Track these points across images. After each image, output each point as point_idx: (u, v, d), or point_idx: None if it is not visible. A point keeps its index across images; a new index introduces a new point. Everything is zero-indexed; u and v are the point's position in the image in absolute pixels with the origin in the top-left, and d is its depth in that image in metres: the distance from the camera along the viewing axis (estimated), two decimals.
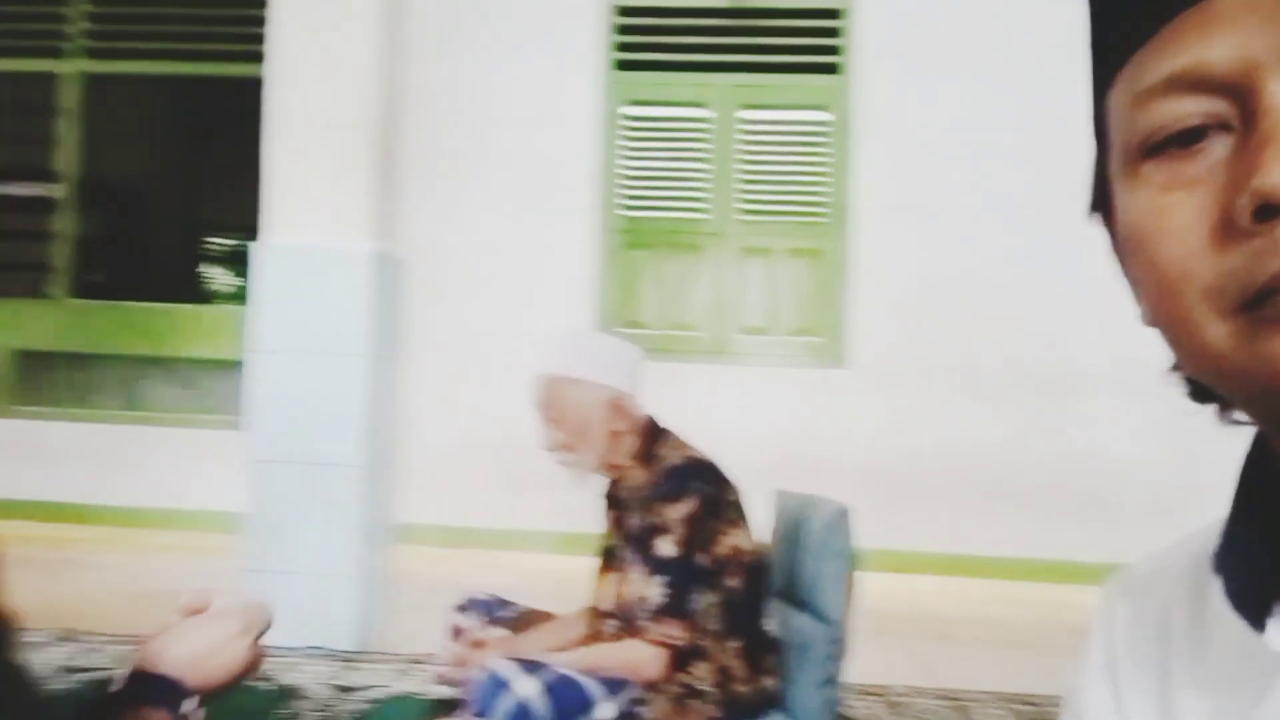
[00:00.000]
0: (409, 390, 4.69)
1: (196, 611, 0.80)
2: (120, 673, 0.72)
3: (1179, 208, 0.40)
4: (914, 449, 4.82)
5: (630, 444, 1.90)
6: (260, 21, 3.37)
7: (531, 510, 4.81)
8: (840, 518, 1.91)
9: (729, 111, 5.08)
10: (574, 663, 1.74)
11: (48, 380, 5.39)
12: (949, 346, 4.80)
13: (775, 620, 1.94)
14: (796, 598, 1.93)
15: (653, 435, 1.92)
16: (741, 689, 1.80)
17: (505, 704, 1.61)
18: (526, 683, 1.64)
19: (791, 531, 1.98)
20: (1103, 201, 0.46)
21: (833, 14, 5.05)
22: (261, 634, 0.80)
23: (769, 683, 1.85)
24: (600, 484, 2.03)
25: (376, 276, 3.19)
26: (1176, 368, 0.44)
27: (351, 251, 3.15)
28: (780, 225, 5.07)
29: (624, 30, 5.13)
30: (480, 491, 4.94)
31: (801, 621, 1.90)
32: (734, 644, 1.80)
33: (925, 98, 4.88)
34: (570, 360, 1.92)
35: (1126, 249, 0.43)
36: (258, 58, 3.40)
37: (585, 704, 1.68)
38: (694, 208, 5.10)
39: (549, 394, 1.90)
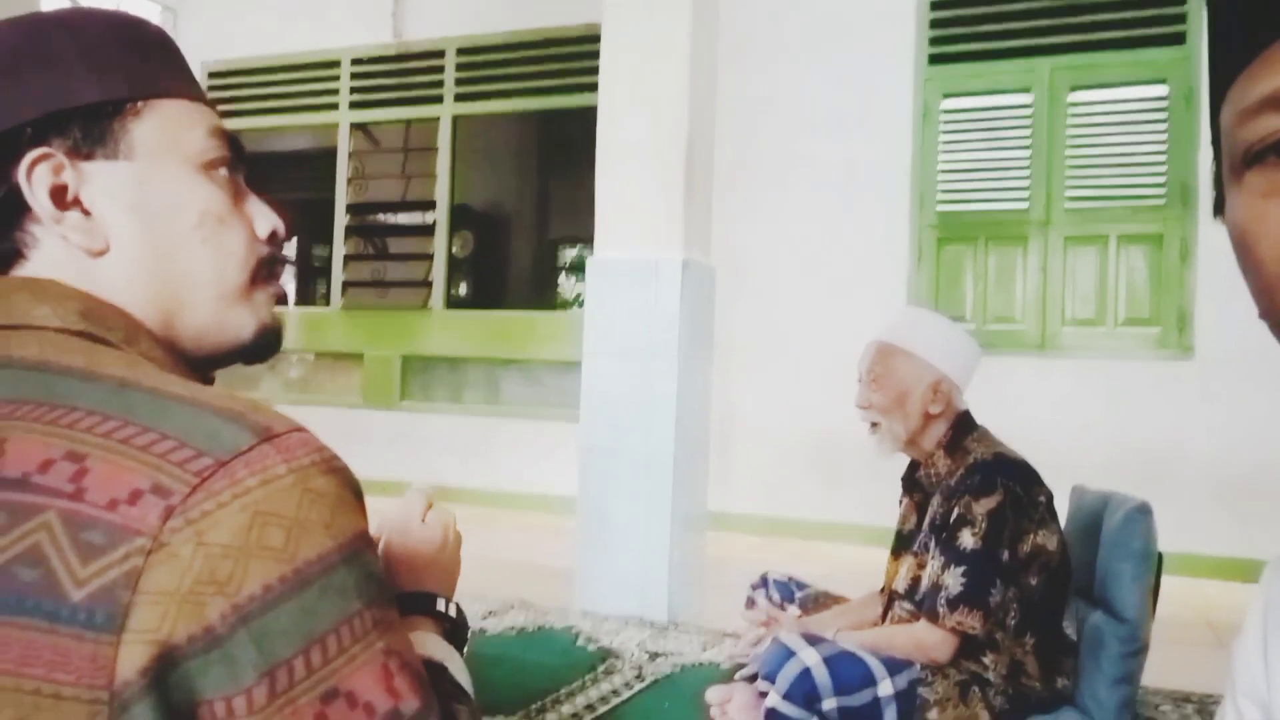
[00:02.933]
0: (730, 388, 4.95)
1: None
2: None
3: (1276, 212, 0.44)
4: (1271, 449, 4.31)
5: (942, 431, 1.93)
6: (597, 55, 3.74)
7: (844, 503, 4.88)
8: (1139, 514, 1.85)
9: (1055, 94, 4.83)
10: (864, 641, 1.82)
11: (427, 380, 6.27)
12: None
13: (1072, 616, 1.92)
14: (1092, 594, 1.90)
15: (965, 428, 1.94)
16: (1032, 684, 1.81)
17: (790, 670, 1.73)
18: (810, 653, 1.75)
19: (1089, 527, 1.95)
20: (1222, 206, 0.50)
21: None
22: (428, 510, 0.85)
23: (1062, 682, 1.84)
24: (901, 467, 2.10)
25: (687, 283, 3.45)
26: None
27: (666, 261, 3.43)
28: (1113, 211, 4.75)
29: (937, 24, 5.05)
30: (795, 484, 5.09)
31: (1097, 618, 1.87)
32: (1029, 640, 1.81)
33: None
34: (908, 333, 1.97)
35: (1235, 249, 0.48)
36: (595, 88, 3.76)
37: (866, 678, 1.76)
38: (1016, 198, 4.91)
39: (878, 358, 1.96)
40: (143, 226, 0.65)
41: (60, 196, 0.62)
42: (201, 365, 0.70)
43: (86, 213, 0.63)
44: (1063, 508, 2.00)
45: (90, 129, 0.63)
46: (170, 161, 0.66)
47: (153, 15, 6.63)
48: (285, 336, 0.75)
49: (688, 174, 3.49)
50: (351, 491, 0.55)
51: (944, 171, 5.04)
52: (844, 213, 5.12)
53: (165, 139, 0.66)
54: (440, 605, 0.79)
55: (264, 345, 0.72)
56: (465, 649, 0.79)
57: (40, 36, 0.64)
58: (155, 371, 0.59)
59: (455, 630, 0.79)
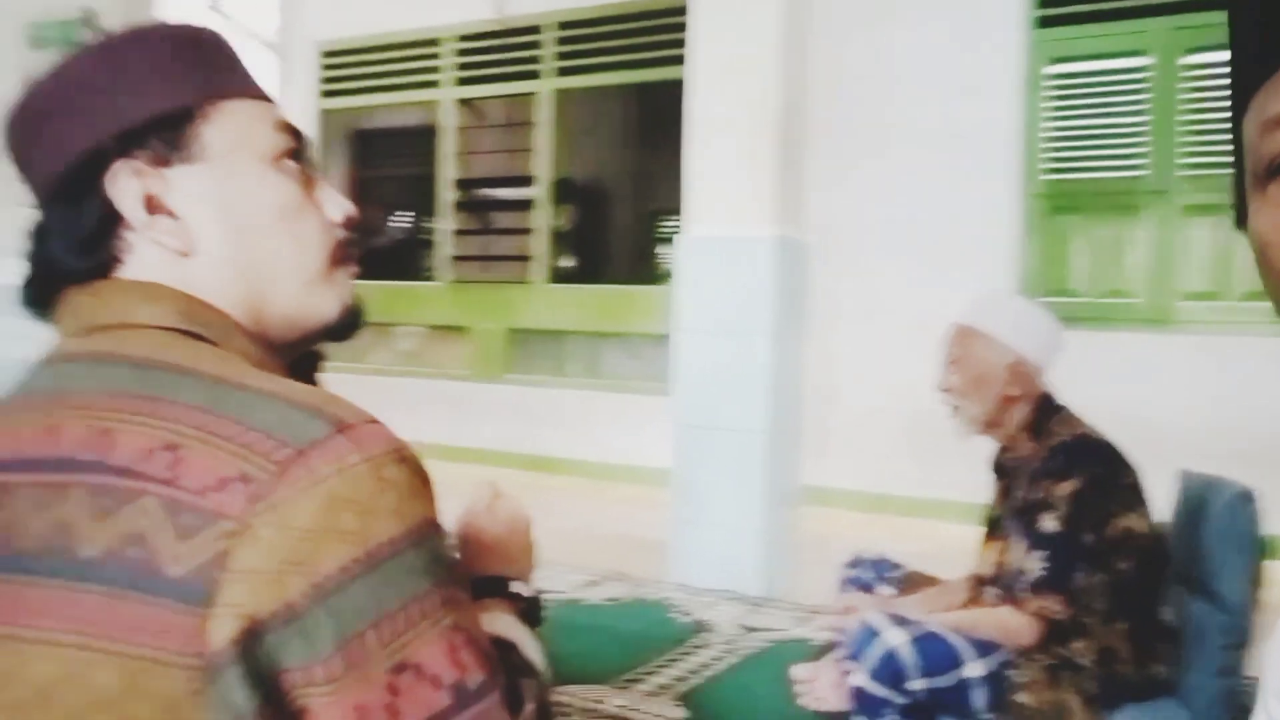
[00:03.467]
0: (827, 363, 4.91)
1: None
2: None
3: None
4: None
5: (1022, 413, 1.92)
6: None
7: (941, 480, 4.79)
8: (1243, 501, 1.80)
9: (1170, 58, 4.60)
10: (950, 623, 1.82)
11: (530, 352, 6.38)
12: None
13: (1173, 604, 1.87)
14: (1195, 582, 1.85)
15: (1047, 410, 1.92)
16: (1125, 670, 1.78)
17: (875, 651, 1.74)
18: (896, 633, 1.76)
19: (1192, 514, 1.90)
20: (1243, 218, 0.50)
21: None
22: (495, 501, 0.89)
23: (1158, 668, 1.80)
24: (990, 451, 2.08)
25: (780, 260, 3.43)
26: None
27: (757, 238, 3.42)
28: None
29: None
30: (892, 460, 5.01)
31: (1198, 607, 1.82)
32: (1121, 625, 1.78)
33: None
34: (985, 315, 1.97)
35: (1258, 261, 0.48)
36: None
37: (953, 660, 1.76)
38: (1129, 166, 4.70)
39: (957, 340, 1.97)
40: (226, 224, 0.69)
41: (149, 204, 0.68)
42: (291, 349, 0.75)
43: (174, 217, 0.68)
44: (1173, 490, 1.95)
45: (167, 137, 0.68)
46: (243, 159, 0.70)
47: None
48: (367, 313, 0.79)
49: (780, 147, 3.45)
50: (421, 480, 0.60)
51: (1053, 139, 4.85)
52: (947, 182, 4.98)
53: (235, 138, 0.70)
54: (513, 588, 0.83)
55: (348, 323, 0.76)
56: (539, 627, 0.82)
57: (108, 59, 0.69)
58: (245, 367, 0.64)
59: (530, 612, 0.83)
